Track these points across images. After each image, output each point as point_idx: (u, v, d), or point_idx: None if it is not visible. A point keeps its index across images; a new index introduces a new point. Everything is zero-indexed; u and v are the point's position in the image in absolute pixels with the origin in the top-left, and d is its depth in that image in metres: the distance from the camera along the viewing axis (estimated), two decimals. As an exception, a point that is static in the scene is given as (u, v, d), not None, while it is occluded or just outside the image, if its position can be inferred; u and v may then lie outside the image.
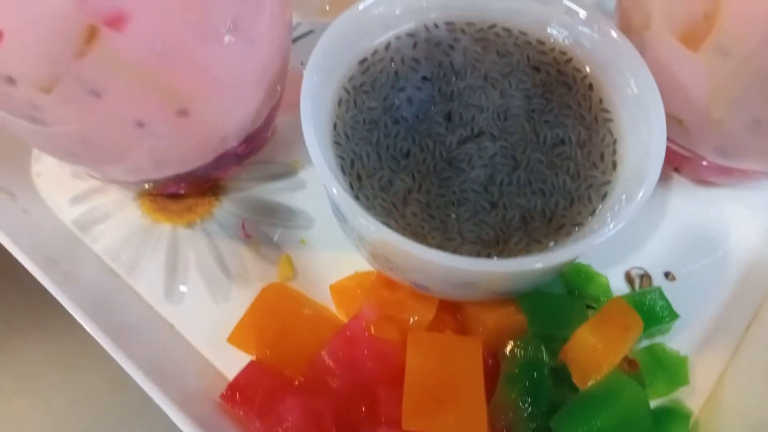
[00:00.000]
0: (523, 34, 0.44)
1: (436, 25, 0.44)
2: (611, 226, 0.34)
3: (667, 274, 0.46)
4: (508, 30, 0.44)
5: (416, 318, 0.39)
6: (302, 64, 0.52)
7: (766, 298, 0.45)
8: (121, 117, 0.34)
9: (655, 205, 0.48)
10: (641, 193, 0.36)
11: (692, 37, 0.37)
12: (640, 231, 0.47)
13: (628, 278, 0.46)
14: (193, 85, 0.34)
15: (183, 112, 0.36)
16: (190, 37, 0.32)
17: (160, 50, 0.31)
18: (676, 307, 0.43)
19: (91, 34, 0.29)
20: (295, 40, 0.54)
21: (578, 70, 0.42)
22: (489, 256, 0.36)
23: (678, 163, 0.47)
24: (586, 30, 0.42)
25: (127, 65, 0.31)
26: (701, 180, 0.49)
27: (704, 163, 0.45)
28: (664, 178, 0.49)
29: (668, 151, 0.45)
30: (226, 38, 0.34)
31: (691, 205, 0.48)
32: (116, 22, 0.29)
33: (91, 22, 0.29)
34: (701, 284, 0.45)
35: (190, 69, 0.34)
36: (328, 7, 0.57)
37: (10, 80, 0.31)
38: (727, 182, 0.48)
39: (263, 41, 0.37)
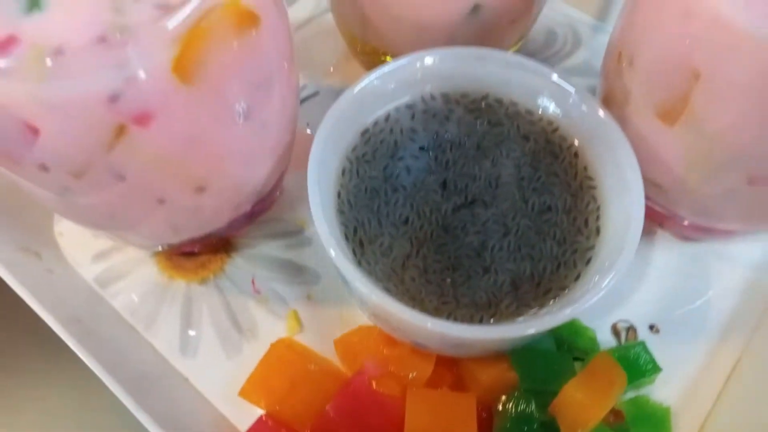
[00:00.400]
0: (514, 104, 0.47)
1: (432, 97, 0.47)
2: (593, 294, 0.37)
3: (651, 327, 0.48)
4: (499, 100, 0.47)
5: (415, 374, 0.42)
6: (308, 124, 0.56)
7: (746, 349, 0.48)
8: (143, 196, 0.37)
9: (640, 259, 0.51)
10: (622, 261, 0.38)
11: (668, 114, 0.40)
12: (626, 284, 0.50)
13: (615, 331, 0.48)
14: (210, 166, 0.38)
15: (200, 189, 0.39)
16: (208, 128, 0.35)
17: (180, 141, 0.35)
18: (660, 358, 0.45)
19: (120, 131, 0.33)
20: (301, 102, 0.57)
21: (564, 139, 0.46)
22: (482, 319, 0.39)
23: (661, 220, 0.50)
24: (571, 102, 0.45)
25: (151, 154, 0.34)
26: (684, 236, 0.52)
27: (685, 222, 0.48)
28: (649, 233, 0.52)
29: (652, 210, 0.48)
30: (241, 124, 0.37)
31: (675, 259, 0.51)
32: (143, 120, 0.32)
33: (120, 121, 0.32)
34: (684, 336, 0.48)
35: (208, 154, 0.37)
36: (332, 69, 0.61)
37: (44, 167, 0.35)
38: (708, 238, 0.51)
39: (274, 122, 0.41)
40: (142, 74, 0.31)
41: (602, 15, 0.63)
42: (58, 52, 0.31)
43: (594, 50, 0.62)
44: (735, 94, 0.36)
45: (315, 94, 0.59)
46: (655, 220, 0.51)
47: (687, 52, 0.37)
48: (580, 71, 0.60)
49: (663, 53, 0.39)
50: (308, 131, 0.55)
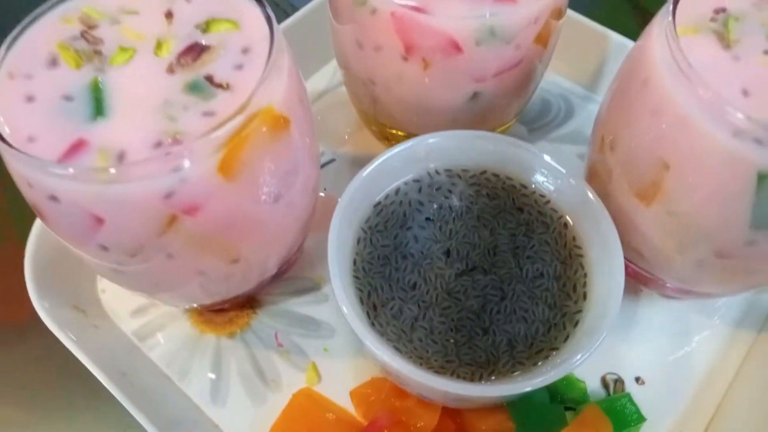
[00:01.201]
0: (509, 179, 0.53)
1: (437, 172, 0.53)
2: (581, 355, 0.42)
3: (637, 379, 0.53)
4: (496, 175, 0.53)
5: (422, 423, 0.47)
6: (325, 189, 0.62)
7: (725, 397, 0.52)
8: (186, 269, 0.43)
9: (627, 315, 0.56)
10: (606, 324, 0.44)
11: (644, 195, 0.46)
12: (614, 339, 0.55)
13: (604, 383, 0.53)
14: (245, 243, 0.44)
15: (235, 261, 0.45)
16: (245, 213, 0.41)
17: (221, 225, 0.40)
18: (645, 407, 0.50)
19: (172, 220, 0.38)
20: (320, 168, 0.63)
21: (555, 211, 0.51)
22: (481, 376, 0.44)
23: (646, 282, 0.55)
24: (561, 181, 0.51)
25: (196, 237, 0.40)
26: (666, 295, 0.57)
27: (667, 284, 0.53)
28: (635, 292, 0.57)
29: (637, 272, 0.54)
30: (272, 206, 0.43)
31: (659, 316, 0.56)
32: (191, 211, 0.38)
33: (172, 212, 0.38)
34: (667, 387, 0.53)
35: (244, 233, 0.43)
36: (346, 137, 0.67)
37: (104, 248, 0.40)
38: (689, 298, 0.56)
39: (299, 199, 0.47)
40: (192, 175, 0.37)
41: (593, 86, 0.70)
42: (120, 156, 0.37)
43: (585, 119, 0.68)
44: (699, 184, 0.42)
45: (332, 160, 0.65)
46: (640, 281, 0.56)
47: (657, 145, 0.43)
48: (571, 139, 0.66)
49: (637, 144, 0.45)
50: (324, 194, 0.61)
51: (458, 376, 0.44)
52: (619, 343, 0.55)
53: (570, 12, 0.67)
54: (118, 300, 0.57)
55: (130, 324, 0.56)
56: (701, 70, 0.40)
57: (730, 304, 0.57)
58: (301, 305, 0.57)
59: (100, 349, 0.50)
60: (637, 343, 0.55)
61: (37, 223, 0.54)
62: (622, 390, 0.53)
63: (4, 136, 0.37)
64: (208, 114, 0.39)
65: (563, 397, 0.50)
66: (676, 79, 0.41)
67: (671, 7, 0.43)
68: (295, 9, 0.74)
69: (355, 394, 0.51)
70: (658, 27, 0.44)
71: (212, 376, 0.53)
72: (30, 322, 0.53)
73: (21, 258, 0.53)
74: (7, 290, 0.56)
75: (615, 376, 0.53)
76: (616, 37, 0.66)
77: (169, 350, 0.54)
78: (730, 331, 0.56)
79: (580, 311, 0.47)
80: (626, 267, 0.48)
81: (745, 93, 0.41)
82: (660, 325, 0.56)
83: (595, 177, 0.52)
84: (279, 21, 0.66)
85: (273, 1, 0.80)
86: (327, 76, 0.71)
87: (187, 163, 0.36)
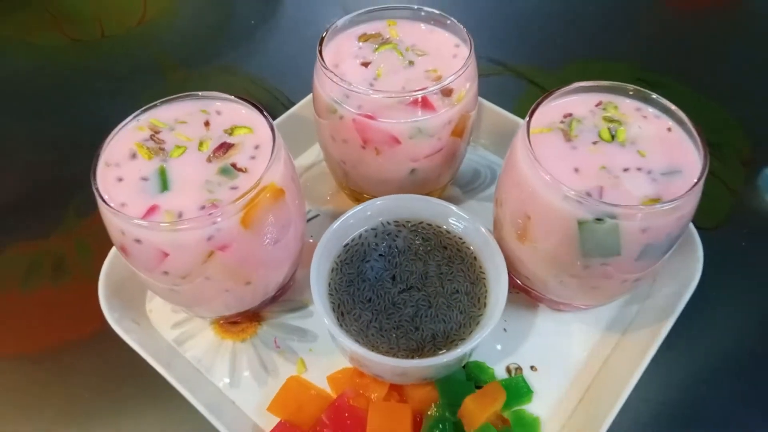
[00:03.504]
0: (438, 226, 0.76)
1: (388, 223, 0.76)
2: (475, 341, 0.64)
3: (532, 367, 0.75)
4: (429, 224, 0.76)
5: (376, 394, 0.69)
6: (311, 237, 0.85)
7: (592, 383, 0.73)
8: (217, 288, 0.66)
9: (527, 323, 0.78)
10: (492, 323, 0.66)
11: (520, 237, 0.69)
12: (518, 340, 0.76)
13: (508, 370, 0.75)
14: (255, 271, 0.66)
15: (248, 283, 0.67)
16: (256, 251, 0.64)
17: (241, 258, 0.63)
18: (536, 386, 0.72)
19: (210, 254, 0.61)
20: (307, 221, 0.86)
21: (468, 248, 0.74)
22: (413, 357, 0.66)
23: (539, 299, 0.77)
24: (468, 225, 0.74)
25: (225, 266, 0.63)
26: (556, 309, 0.79)
27: (552, 299, 0.76)
28: (533, 306, 0.79)
29: (530, 292, 0.76)
30: (273, 247, 0.66)
31: (550, 323, 0.78)
32: (223, 248, 0.61)
33: (211, 249, 0.61)
34: (553, 373, 0.74)
35: (254, 264, 0.65)
36: (328, 198, 0.90)
37: (165, 273, 0.63)
38: (572, 309, 0.78)
39: (291, 243, 0.69)
40: (224, 227, 0.60)
41: (510, 157, 0.93)
42: (179, 215, 0.60)
43: (504, 182, 0.91)
44: (548, 229, 0.64)
45: (316, 215, 0.88)
46: (536, 298, 0.78)
47: (522, 205, 0.66)
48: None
49: (513, 204, 0.68)
50: (311, 240, 0.84)
51: (399, 357, 0.66)
52: (520, 343, 0.76)
53: (492, 105, 0.92)
54: (161, 317, 0.79)
55: (170, 334, 0.77)
56: (546, 157, 0.63)
57: (600, 314, 0.79)
58: (293, 319, 0.79)
59: (151, 349, 0.72)
60: (533, 342, 0.76)
61: (107, 261, 0.76)
62: (521, 374, 0.74)
63: (107, 202, 0.60)
64: (234, 188, 0.62)
65: (477, 378, 0.72)
66: (529, 164, 0.64)
67: (529, 115, 0.67)
68: (291, 103, 0.99)
69: (330, 379, 0.72)
70: (523, 127, 0.68)
71: (230, 368, 0.75)
72: (100, 334, 0.75)
73: (94, 287, 0.75)
74: (84, 311, 0.78)
75: (516, 365, 0.75)
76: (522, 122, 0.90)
77: (198, 352, 0.76)
78: (600, 333, 0.77)
79: (481, 315, 0.69)
80: (523, 288, 0.70)
81: (576, 170, 0.64)
82: (550, 329, 0.77)
83: (496, 224, 0.75)
84: (278, 113, 0.91)
85: (274, 97, 1.06)
86: (313, 154, 0.95)
87: (220, 219, 0.59)
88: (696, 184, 0.60)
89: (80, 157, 1.00)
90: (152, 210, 0.60)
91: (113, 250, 0.76)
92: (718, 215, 0.90)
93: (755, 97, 1.07)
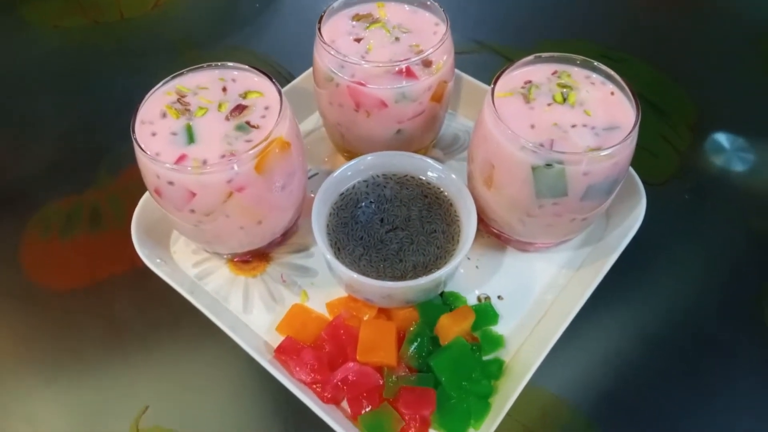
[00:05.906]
0: (420, 178, 0.89)
1: (377, 176, 0.89)
2: (447, 269, 0.78)
3: (499, 296, 0.88)
4: (412, 176, 0.89)
5: (367, 316, 0.82)
6: (312, 193, 0.98)
7: (549, 308, 0.87)
8: (234, 225, 0.79)
9: (496, 261, 0.91)
10: (462, 255, 0.79)
11: (486, 183, 0.82)
12: (488, 275, 0.90)
13: (478, 299, 0.88)
14: (266, 211, 0.80)
15: (260, 222, 0.80)
16: (266, 194, 0.77)
17: (255, 199, 0.76)
18: (501, 312, 0.85)
19: (229, 194, 0.74)
20: (309, 178, 0.99)
21: (445, 195, 0.87)
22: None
23: (507, 241, 0.91)
24: (445, 176, 0.87)
25: (242, 205, 0.76)
26: (522, 249, 0.92)
27: (517, 239, 0.89)
28: (501, 248, 0.92)
29: (499, 234, 0.90)
30: (281, 191, 0.79)
31: (516, 261, 0.91)
32: (240, 190, 0.74)
33: (230, 190, 0.74)
34: (516, 301, 0.87)
35: (265, 205, 0.79)
36: (326, 159, 1.03)
37: (192, 211, 0.76)
38: (536, 249, 0.92)
39: (296, 190, 0.83)
40: (241, 171, 0.73)
41: (486, 124, 1.06)
42: (204, 162, 0.73)
43: (479, 145, 1.04)
44: (509, 175, 0.78)
45: (316, 174, 1.01)
46: (504, 240, 0.91)
47: (488, 156, 0.79)
48: (470, 157, 1.03)
49: (481, 155, 0.81)
50: (312, 195, 0.97)
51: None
52: (490, 277, 0.90)
53: (471, 78, 1.05)
54: (183, 257, 0.92)
55: (192, 271, 0.91)
56: (508, 116, 0.77)
57: (559, 255, 0.92)
58: (297, 259, 0.92)
59: (177, 281, 0.85)
60: (502, 276, 0.89)
61: (138, 208, 0.89)
62: (489, 301, 0.88)
63: (145, 150, 0.73)
64: (248, 141, 0.75)
65: (452, 305, 0.85)
66: (494, 122, 0.77)
67: (494, 81, 0.80)
68: (292, 76, 1.12)
69: (328, 305, 0.86)
70: (488, 91, 0.81)
71: (243, 298, 0.88)
72: (131, 273, 0.89)
73: (125, 233, 0.88)
74: (120, 250, 0.92)
75: (485, 295, 0.88)
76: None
77: (216, 285, 0.89)
78: (557, 269, 0.90)
79: (454, 250, 0.82)
80: (492, 231, 0.84)
81: (532, 126, 0.77)
82: (516, 266, 0.90)
83: (469, 177, 0.88)
84: (282, 85, 1.04)
85: (277, 72, 1.19)
86: (312, 121, 1.08)
87: (237, 166, 0.72)
88: (628, 135, 0.74)
89: (106, 126, 1.14)
90: (182, 158, 0.74)
91: (143, 199, 0.89)
92: (665, 172, 1.04)
93: (704, 73, 1.21)
